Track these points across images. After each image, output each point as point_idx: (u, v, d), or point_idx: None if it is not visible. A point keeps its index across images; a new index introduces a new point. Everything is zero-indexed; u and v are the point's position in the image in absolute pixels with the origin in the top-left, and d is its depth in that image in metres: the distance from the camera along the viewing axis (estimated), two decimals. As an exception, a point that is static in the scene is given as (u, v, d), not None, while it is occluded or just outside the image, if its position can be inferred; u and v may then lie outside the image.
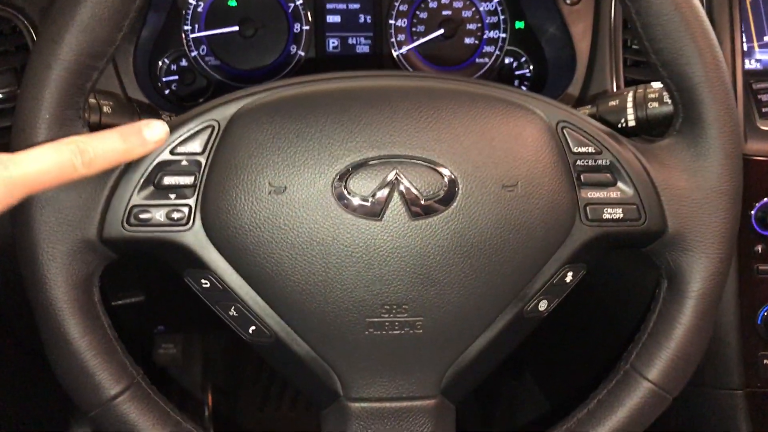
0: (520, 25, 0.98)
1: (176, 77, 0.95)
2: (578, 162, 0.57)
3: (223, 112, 0.55)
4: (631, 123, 0.70)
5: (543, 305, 0.58)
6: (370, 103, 0.55)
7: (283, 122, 0.54)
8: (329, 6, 0.96)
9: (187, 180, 0.54)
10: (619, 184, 0.57)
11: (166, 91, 0.94)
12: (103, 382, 0.54)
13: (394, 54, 0.97)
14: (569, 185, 0.56)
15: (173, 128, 0.55)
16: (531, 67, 0.98)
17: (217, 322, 0.58)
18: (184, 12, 0.93)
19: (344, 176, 0.53)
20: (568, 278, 0.58)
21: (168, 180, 0.54)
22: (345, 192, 0.53)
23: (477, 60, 0.98)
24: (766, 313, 0.80)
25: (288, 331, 0.56)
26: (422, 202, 0.54)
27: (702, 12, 0.56)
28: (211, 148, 0.55)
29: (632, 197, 0.57)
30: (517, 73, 0.98)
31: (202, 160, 0.55)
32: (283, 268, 0.54)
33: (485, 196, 0.54)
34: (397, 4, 0.96)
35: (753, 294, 0.80)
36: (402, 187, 0.54)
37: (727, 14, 0.80)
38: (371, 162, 0.54)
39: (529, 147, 0.55)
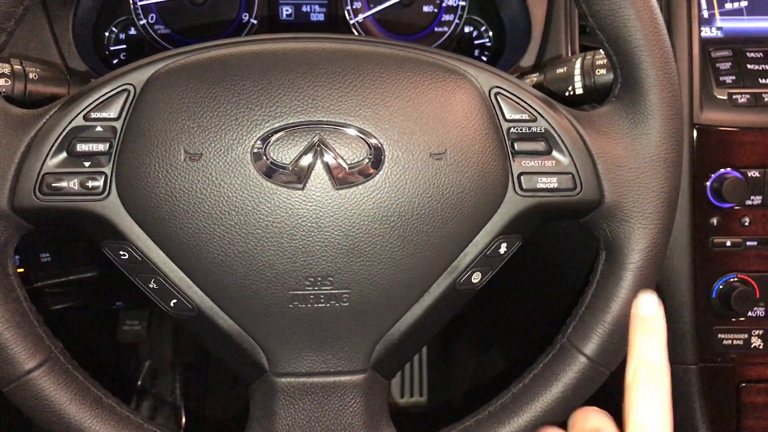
0: (479, -8, 0.95)
1: (125, 46, 0.92)
2: (512, 129, 0.55)
3: (139, 75, 0.53)
4: (579, 91, 0.67)
5: (476, 277, 0.56)
6: (291, 66, 0.52)
7: (199, 86, 0.52)
8: (282, -28, 0.94)
9: (102, 147, 0.52)
10: (554, 153, 0.55)
11: (115, 61, 0.92)
12: (17, 356, 0.52)
13: (351, 22, 0.94)
14: (501, 154, 0.54)
15: (88, 92, 0.53)
16: (490, 35, 0.95)
17: None
18: (131, -22, 0.91)
19: (264, 143, 0.51)
20: (503, 249, 0.56)
21: (82, 147, 0.52)
22: (265, 159, 0.51)
23: (436, 29, 0.96)
24: (721, 287, 0.79)
25: (210, 304, 0.54)
26: (346, 171, 0.52)
27: None
28: (127, 113, 0.52)
29: (567, 166, 0.55)
30: (476, 42, 0.96)
31: (118, 126, 0.52)
32: (200, 239, 0.52)
33: (412, 164, 0.52)
34: (352, -30, 0.93)
35: (708, 268, 0.79)
36: (325, 155, 0.51)
37: (684, -21, 0.78)
38: (292, 128, 0.51)
39: (458, 113, 0.53)
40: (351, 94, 0.52)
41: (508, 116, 0.55)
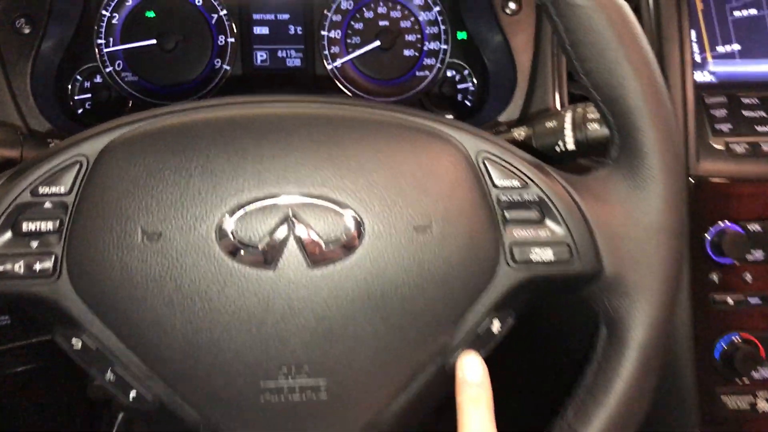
0: (462, 35, 0.91)
1: (89, 95, 0.87)
2: (502, 197, 0.51)
3: (93, 145, 0.48)
4: (570, 146, 0.63)
5: (467, 358, 0.51)
6: (260, 133, 0.48)
7: (158, 157, 0.47)
8: (256, 17, 0.90)
9: (51, 225, 0.47)
10: (548, 222, 0.51)
11: (80, 110, 0.87)
12: None
13: (328, 68, 0.90)
14: (491, 223, 0.50)
15: (36, 164, 0.48)
16: (474, 81, 0.91)
17: None
18: (96, 25, 0.86)
19: (230, 219, 0.46)
20: (495, 327, 0.51)
21: (28, 225, 0.47)
22: (231, 238, 0.46)
23: (417, 73, 0.92)
24: (724, 346, 0.75)
25: (173, 397, 0.49)
26: (322, 248, 0.47)
27: (637, 28, 0.50)
28: (79, 187, 0.47)
29: (563, 236, 0.51)
30: (459, 86, 0.92)
31: (70, 201, 0.47)
32: (161, 327, 0.47)
33: (394, 238, 0.48)
34: (329, 14, 0.90)
35: (709, 326, 0.74)
36: (298, 231, 0.47)
37: (676, 23, 0.74)
38: (261, 202, 0.47)
39: (443, 181, 0.49)
40: (325, 164, 0.47)
41: (497, 183, 0.51)
